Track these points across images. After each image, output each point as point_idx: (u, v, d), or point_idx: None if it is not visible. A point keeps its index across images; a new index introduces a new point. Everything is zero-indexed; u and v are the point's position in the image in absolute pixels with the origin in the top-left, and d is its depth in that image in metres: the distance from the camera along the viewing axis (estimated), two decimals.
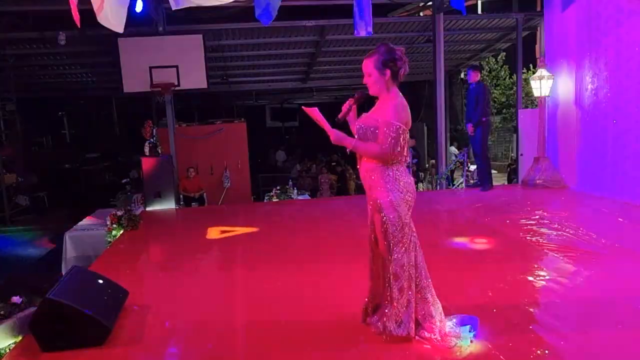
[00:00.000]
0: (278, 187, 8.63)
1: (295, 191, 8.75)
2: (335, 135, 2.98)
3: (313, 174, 15.54)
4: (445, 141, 11.29)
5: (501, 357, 2.83)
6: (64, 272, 6.55)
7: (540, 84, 7.43)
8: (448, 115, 14.41)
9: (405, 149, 2.96)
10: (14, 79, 11.80)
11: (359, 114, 3.19)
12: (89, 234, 6.78)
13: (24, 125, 12.77)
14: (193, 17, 10.48)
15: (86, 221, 7.35)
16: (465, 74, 16.98)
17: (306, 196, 9.16)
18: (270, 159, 19.57)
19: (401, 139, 2.90)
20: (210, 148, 11.03)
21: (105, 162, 16.00)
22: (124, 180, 13.98)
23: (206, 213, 7.72)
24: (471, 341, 2.98)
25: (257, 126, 18.65)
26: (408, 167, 3.13)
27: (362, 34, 7.31)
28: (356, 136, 3.05)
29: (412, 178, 3.11)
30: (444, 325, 3.03)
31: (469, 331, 3.03)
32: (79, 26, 5.67)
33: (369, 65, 2.97)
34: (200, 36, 9.75)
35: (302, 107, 3.11)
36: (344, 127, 3.13)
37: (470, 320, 3.14)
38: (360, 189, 14.12)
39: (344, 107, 3.14)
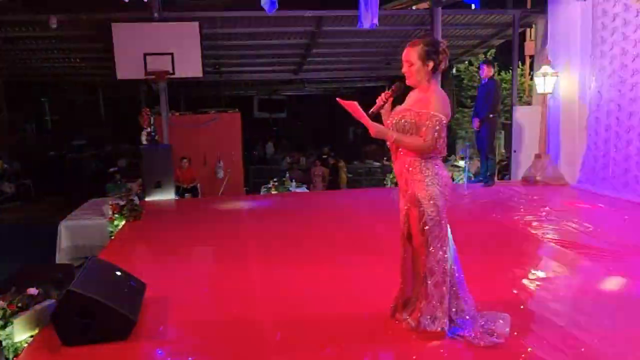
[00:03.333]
0: (276, 179, 8.51)
1: (293, 183, 8.65)
2: (376, 128, 2.91)
3: (302, 167, 15.46)
4: None
5: (539, 355, 2.81)
6: (57, 262, 6.39)
7: (544, 80, 7.46)
8: None
9: (445, 142, 2.91)
10: (1, 63, 11.42)
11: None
12: (85, 224, 6.62)
13: (9, 111, 12.39)
14: (189, 4, 10.28)
15: (80, 210, 7.17)
16: (457, 70, 17.05)
17: (304, 189, 9.08)
18: (259, 150, 19.41)
19: (443, 132, 2.85)
20: (204, 138, 10.86)
21: (91, 149, 15.65)
22: (112, 169, 13.71)
23: (206, 204, 7.58)
24: (505, 338, 2.96)
25: (245, 117, 18.47)
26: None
27: (367, 25, 7.23)
28: (393, 129, 2.99)
29: (448, 172, 3.07)
30: (478, 321, 3.01)
31: (503, 328, 3.00)
32: None
33: (412, 54, 2.91)
34: (197, 24, 9.53)
35: (338, 99, 3.02)
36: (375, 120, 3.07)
37: (503, 317, 3.12)
38: (350, 183, 14.11)
39: (379, 100, 3.07)
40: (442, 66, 2.93)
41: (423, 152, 2.86)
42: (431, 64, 2.88)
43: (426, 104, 2.85)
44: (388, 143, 2.97)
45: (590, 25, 7.05)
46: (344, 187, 13.29)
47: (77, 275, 3.12)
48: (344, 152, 16.08)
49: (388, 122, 3.06)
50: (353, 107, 2.90)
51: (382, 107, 3.06)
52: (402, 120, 2.92)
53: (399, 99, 3.11)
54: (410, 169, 2.93)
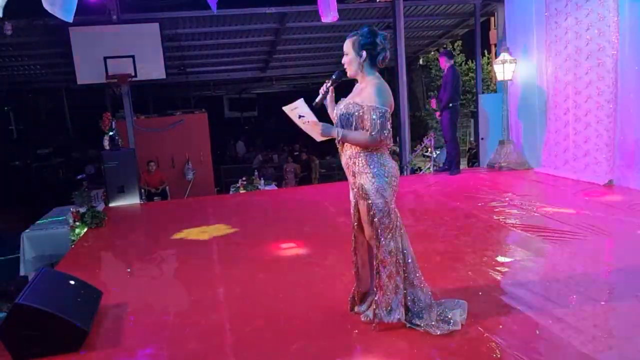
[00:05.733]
0: (244, 178, 8.45)
1: (262, 181, 8.59)
2: (321, 128, 2.89)
3: (275, 164, 15.42)
4: (408, 129, 11.37)
5: (494, 339, 2.83)
6: (22, 274, 6.24)
7: (504, 67, 7.54)
8: (408, 102, 14.51)
9: (391, 132, 2.90)
10: None
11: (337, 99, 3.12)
12: (48, 233, 6.49)
13: None
14: (148, 5, 10.12)
15: (44, 220, 7.02)
16: (423, 61, 17.17)
17: (273, 186, 9.03)
18: (230, 150, 19.26)
19: (387, 123, 2.84)
20: (171, 140, 10.74)
21: (58, 158, 15.32)
22: (79, 177, 13.44)
23: (173, 207, 7.48)
24: (462, 325, 2.98)
25: (216, 117, 18.32)
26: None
27: (329, 19, 7.21)
28: (338, 122, 2.98)
29: (395, 163, 3.07)
30: (434, 310, 3.02)
31: (460, 315, 3.02)
32: None
33: (347, 45, 2.93)
34: (157, 25, 9.40)
35: (283, 108, 2.99)
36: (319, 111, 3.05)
37: (460, 304, 3.14)
38: (323, 178, 14.10)
39: (321, 91, 3.06)
40: (381, 58, 2.91)
41: (369, 146, 2.85)
42: (364, 55, 2.87)
43: (366, 96, 2.84)
44: (336, 140, 2.95)
45: (545, 10, 7.15)
46: (316, 183, 13.29)
47: (25, 287, 3.04)
48: (317, 147, 16.05)
49: (333, 115, 3.05)
50: (299, 108, 2.88)
51: (324, 98, 3.04)
52: (346, 114, 2.91)
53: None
54: (356, 161, 2.92)
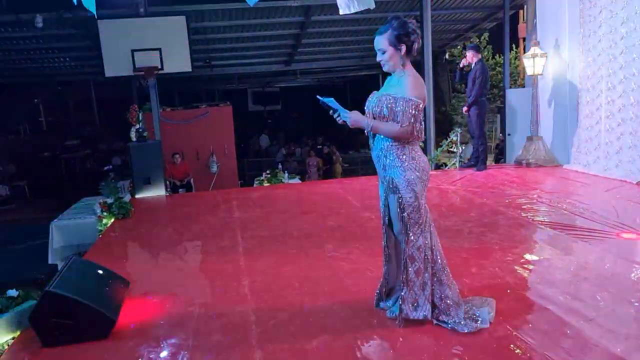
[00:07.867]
0: (268, 171, 8.47)
1: (286, 175, 8.60)
2: (352, 118, 2.85)
3: (298, 158, 15.44)
4: (434, 124, 11.24)
5: (522, 338, 2.78)
6: (50, 262, 6.38)
7: (534, 62, 7.38)
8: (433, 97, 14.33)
9: (422, 126, 2.85)
10: None
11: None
12: (76, 223, 6.61)
13: (2, 113, 12.35)
14: None
15: (72, 210, 7.16)
16: (451, 55, 16.96)
17: (297, 180, 9.03)
18: (254, 143, 19.36)
19: (419, 116, 2.79)
20: (196, 133, 10.81)
21: (85, 149, 15.62)
22: (106, 168, 13.68)
23: (198, 199, 7.54)
24: (490, 323, 2.93)
25: (239, 110, 18.43)
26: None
27: (347, 11, 7.14)
28: (369, 114, 2.93)
29: (426, 157, 3.02)
30: (462, 307, 2.97)
31: (488, 313, 2.97)
32: None
33: (382, 42, 2.83)
34: (184, 17, 9.46)
35: (317, 96, 2.95)
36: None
37: (488, 302, 3.09)
38: (346, 172, 14.06)
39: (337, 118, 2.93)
40: (416, 46, 2.86)
41: (401, 138, 2.81)
42: (404, 48, 2.81)
43: (402, 89, 2.79)
44: (366, 130, 2.91)
45: (578, 3, 6.97)
46: (338, 177, 13.27)
47: (55, 276, 3.09)
48: (340, 142, 16.03)
49: (365, 108, 3.00)
50: (331, 103, 2.86)
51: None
52: (379, 106, 2.86)
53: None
54: (387, 154, 2.87)
